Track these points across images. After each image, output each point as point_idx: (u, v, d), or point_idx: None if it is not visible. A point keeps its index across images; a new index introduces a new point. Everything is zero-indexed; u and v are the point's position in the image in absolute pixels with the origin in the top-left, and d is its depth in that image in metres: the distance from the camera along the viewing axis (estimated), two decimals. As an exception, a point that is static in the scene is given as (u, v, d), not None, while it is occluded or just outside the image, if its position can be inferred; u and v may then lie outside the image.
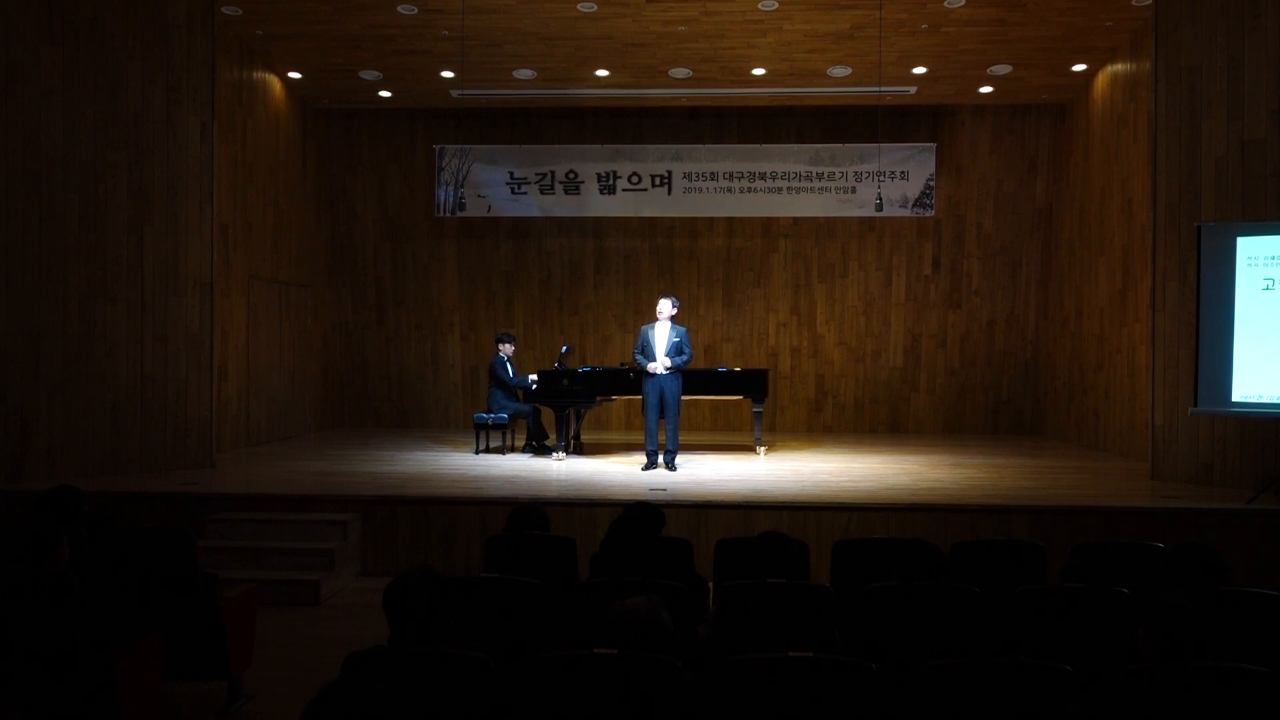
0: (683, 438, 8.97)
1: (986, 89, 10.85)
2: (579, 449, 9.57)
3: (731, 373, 9.42)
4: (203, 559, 5.90)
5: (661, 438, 8.23)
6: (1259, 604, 3.24)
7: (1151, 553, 4.09)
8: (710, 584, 4.17)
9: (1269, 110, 7.18)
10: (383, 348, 12.02)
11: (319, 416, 11.56)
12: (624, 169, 11.45)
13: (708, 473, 8.08)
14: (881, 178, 11.00)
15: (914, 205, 11.28)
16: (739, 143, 11.52)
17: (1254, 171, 7.24)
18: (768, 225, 11.81)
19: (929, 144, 11.33)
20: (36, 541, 3.59)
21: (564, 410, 8.78)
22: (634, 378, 8.50)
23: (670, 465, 8.12)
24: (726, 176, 11.35)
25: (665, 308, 8.06)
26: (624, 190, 11.46)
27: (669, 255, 11.90)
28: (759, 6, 8.55)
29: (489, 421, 9.10)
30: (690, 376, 8.17)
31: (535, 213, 11.63)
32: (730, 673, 2.61)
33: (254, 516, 6.55)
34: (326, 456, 9.08)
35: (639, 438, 9.29)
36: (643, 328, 8.23)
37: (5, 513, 6.42)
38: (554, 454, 8.83)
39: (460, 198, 11.46)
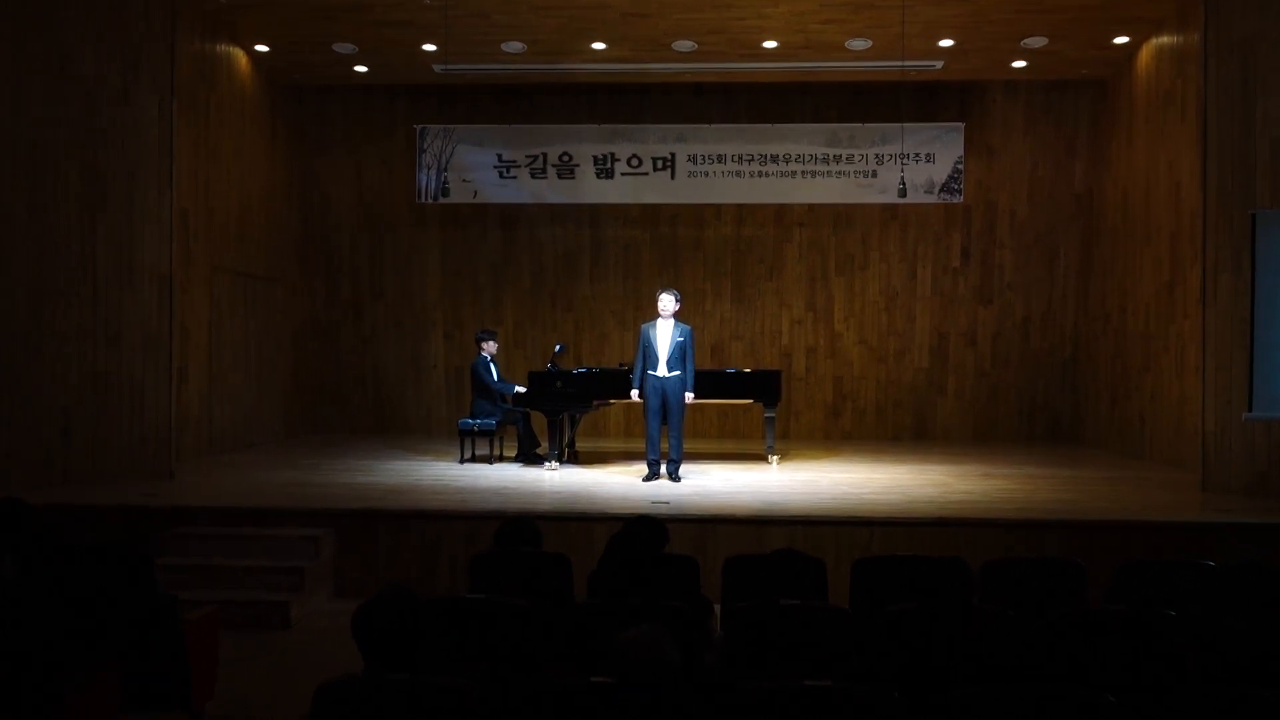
0: (688, 446, 8.96)
1: (1020, 63, 10.85)
2: (574, 458, 9.55)
3: (741, 374, 9.40)
4: (161, 578, 5.88)
5: (664, 446, 8.22)
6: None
7: (1202, 572, 4.08)
8: (717, 605, 4.16)
9: (1330, 86, 7.18)
10: (359, 347, 12.02)
11: (289, 422, 11.56)
12: (623, 151, 11.45)
13: (715, 484, 8.06)
14: (905, 160, 11.00)
15: (941, 190, 11.28)
16: (749, 122, 11.52)
17: (1314, 153, 7.24)
18: (780, 212, 11.80)
19: (957, 123, 11.33)
20: (-22, 559, 3.57)
21: (557, 415, 8.77)
22: (633, 380, 8.49)
23: (674, 476, 8.11)
24: (735, 159, 11.35)
25: (667, 303, 8.05)
26: (623, 174, 11.46)
27: (672, 245, 11.90)
28: (771, -27, 8.56)
29: (475, 428, 9.09)
30: (696, 379, 8.16)
31: (526, 199, 11.63)
32: (739, 703, 2.60)
33: (217, 532, 6.54)
34: (297, 466, 9.06)
35: (639, 446, 9.28)
36: (643, 326, 8.22)
37: (-55, 528, 6.41)
38: (546, 463, 8.82)
39: (443, 183, 11.46)
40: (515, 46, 10.34)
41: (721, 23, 9.68)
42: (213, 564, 6.31)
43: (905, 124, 10.83)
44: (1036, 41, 10.13)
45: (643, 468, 8.40)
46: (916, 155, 11.20)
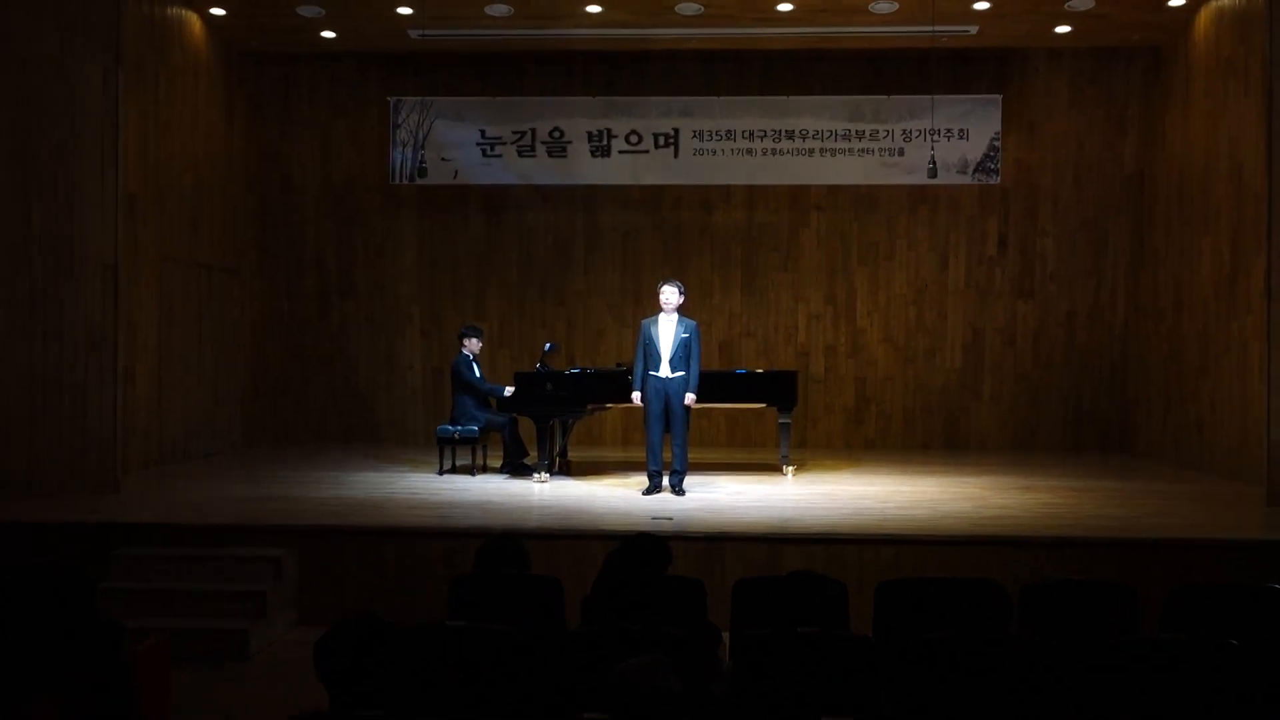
0: (693, 455, 8.96)
1: (1064, 28, 10.85)
2: (566, 468, 9.55)
3: (753, 376, 9.39)
4: (106, 604, 5.87)
5: (667, 455, 8.22)
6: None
7: (1267, 597, 4.08)
8: (726, 633, 4.16)
9: None
10: (326, 345, 12.02)
11: (248, 429, 11.56)
12: (621, 126, 11.45)
13: (723, 497, 8.07)
14: (936, 137, 11.00)
15: (975, 171, 11.28)
16: (761, 94, 11.53)
17: (1392, 129, 7.24)
18: (797, 195, 11.81)
19: (994, 96, 11.33)
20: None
21: (547, 421, 8.77)
22: (631, 381, 8.49)
23: (677, 489, 8.12)
24: (746, 135, 11.35)
25: (670, 296, 8.06)
26: (621, 152, 11.46)
27: (676, 232, 11.91)
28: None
29: (455, 435, 9.10)
30: (702, 380, 8.17)
31: (512, 180, 11.63)
32: (751, 743, 2.60)
33: (168, 552, 6.53)
34: (257, 478, 9.06)
35: (639, 455, 9.28)
36: (643, 322, 8.23)
37: None
38: (535, 474, 8.82)
39: (420, 161, 11.46)
40: (500, 9, 10.33)
41: (731, -17, 9.68)
42: (162, 588, 6.30)
43: (936, 96, 10.84)
44: (1083, 3, 10.13)
45: (643, 479, 8.40)
46: (948, 131, 11.20)
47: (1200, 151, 10.20)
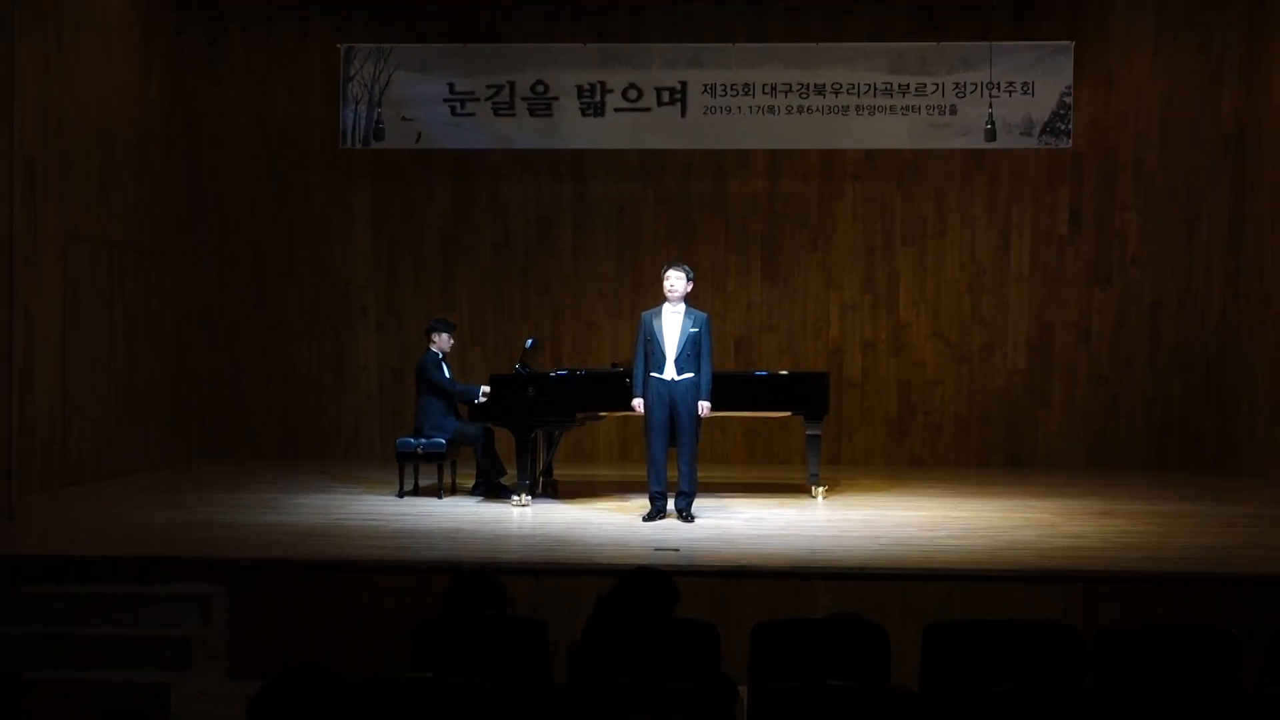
0: (705, 473, 8.95)
1: (1150, -40, 10.85)
2: (551, 489, 9.54)
3: (775, 378, 9.38)
4: (-2, 652, 5.88)
5: (672, 474, 8.21)
6: None
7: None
8: (743, 687, 4.17)
9: None
10: (263, 341, 12.01)
11: (170, 442, 11.55)
12: (617, 79, 11.43)
13: (740, 525, 8.05)
14: (995, 92, 10.97)
15: (1043, 132, 11.26)
16: (786, 41, 11.51)
17: None
18: (828, 161, 11.79)
19: (1065, 43, 11.30)
20: None
21: (529, 433, 8.75)
22: (631, 385, 8.49)
23: (685, 514, 8.11)
24: (768, 90, 11.33)
25: (676, 283, 8.05)
26: (617, 110, 11.44)
27: (683, 205, 11.89)
28: None
29: (419, 449, 9.08)
30: (715, 383, 8.16)
31: (487, 143, 11.61)
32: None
33: (73, 590, 6.50)
34: (180, 501, 9.04)
35: (639, 473, 9.26)
36: (644, 314, 8.22)
37: None
38: (514, 497, 8.81)
39: (376, 121, 11.44)
40: (472, -62, 10.33)
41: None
42: (66, 633, 6.27)
43: (995, 43, 10.82)
44: (1172, -69, 10.13)
45: (643, 503, 8.38)
46: (1010, 85, 11.17)
47: (1313, 108, 10.19)
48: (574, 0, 11.76)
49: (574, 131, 11.52)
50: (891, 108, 11.28)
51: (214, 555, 6.81)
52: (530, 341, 9.47)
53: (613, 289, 11.92)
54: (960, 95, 11.21)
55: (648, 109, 11.43)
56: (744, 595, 6.45)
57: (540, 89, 11.48)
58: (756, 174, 11.87)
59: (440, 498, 9.14)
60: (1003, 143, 11.09)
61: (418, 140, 11.58)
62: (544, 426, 8.91)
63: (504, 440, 9.41)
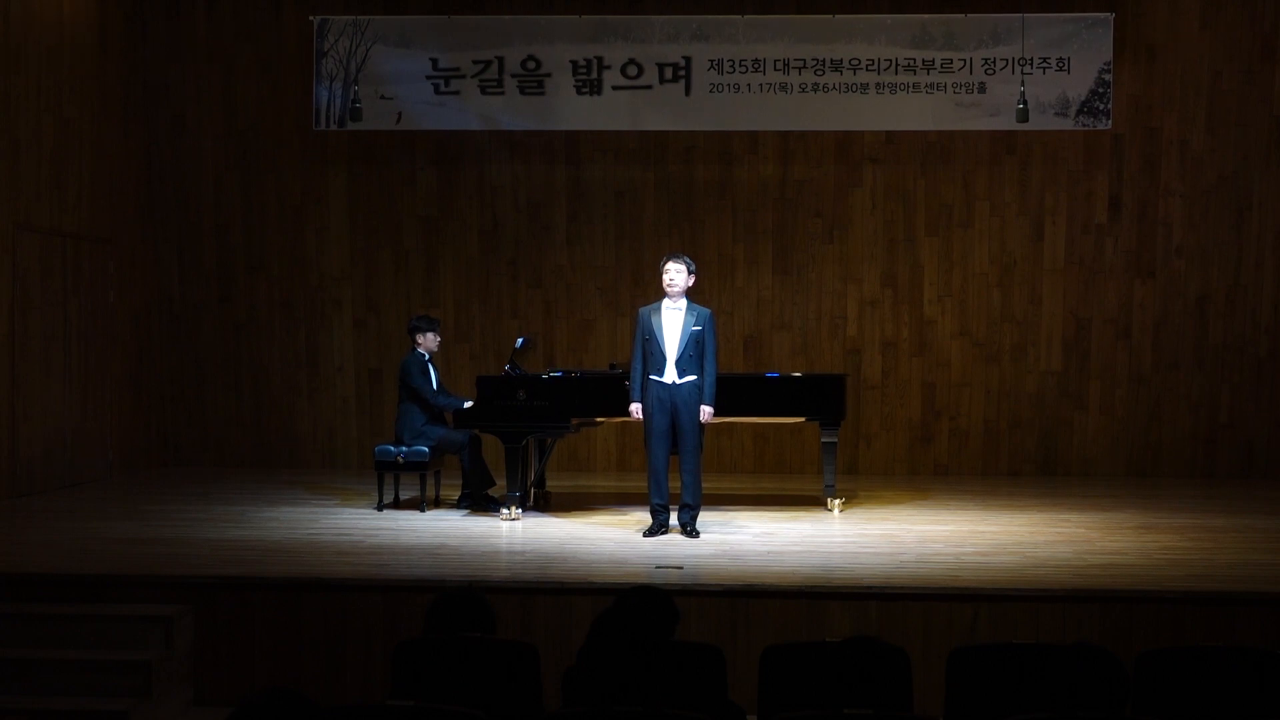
0: (710, 484, 8.96)
1: (1194, -74, 10.86)
2: (543, 501, 9.54)
3: (788, 381, 9.38)
4: (-59, 678, 5.89)
5: (675, 485, 8.21)
6: None
7: None
8: (752, 717, 4.18)
9: None
10: (230, 340, 12.01)
11: (129, 450, 11.55)
12: (615, 54, 11.44)
13: (749, 540, 8.06)
14: (1028, 69, 10.98)
15: (1079, 112, 11.26)
16: (799, 12, 11.52)
17: None
18: (845, 144, 11.80)
19: (1104, 14, 11.30)
20: None
21: (520, 441, 8.76)
22: (630, 388, 8.50)
23: (689, 528, 8.11)
24: (779, 67, 11.33)
25: (678, 277, 8.06)
26: (615, 88, 11.45)
27: (686, 192, 11.90)
28: None
29: (400, 458, 9.09)
30: (720, 387, 8.16)
31: (474, 125, 11.62)
32: None
33: (25, 610, 6.51)
34: (140, 514, 9.04)
35: (639, 484, 9.27)
36: (642, 311, 8.22)
37: None
38: (503, 510, 8.82)
39: (353, 100, 11.43)
40: (457, -98, 10.35)
41: None
42: (18, 657, 6.27)
43: (1027, 14, 10.83)
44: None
45: (643, 516, 8.40)
46: (1044, 61, 11.18)
47: (1371, 87, 10.19)
48: (568, -31, 11.77)
49: (568, 111, 11.52)
50: (914, 85, 11.28)
51: (177, 573, 6.82)
52: (520, 340, 9.47)
53: (609, 283, 11.92)
54: (989, 72, 11.21)
55: (648, 87, 11.43)
56: (753, 616, 6.46)
57: (531, 65, 11.48)
58: (767, 158, 11.87)
59: (423, 511, 9.15)
60: (1035, 124, 11.10)
61: (398, 121, 11.58)
62: (536, 433, 8.91)
63: (492, 448, 9.43)
